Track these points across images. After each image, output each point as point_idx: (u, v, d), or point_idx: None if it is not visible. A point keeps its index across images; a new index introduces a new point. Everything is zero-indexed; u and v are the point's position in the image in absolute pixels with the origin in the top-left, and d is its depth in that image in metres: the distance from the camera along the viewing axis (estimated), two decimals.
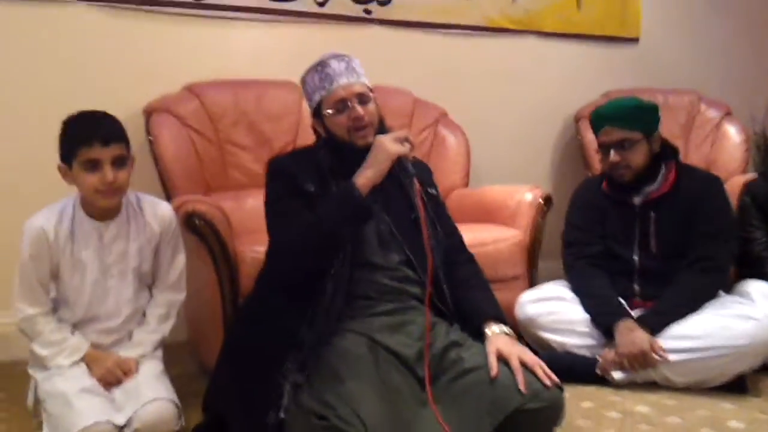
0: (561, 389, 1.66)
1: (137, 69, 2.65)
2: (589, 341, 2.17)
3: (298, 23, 2.93)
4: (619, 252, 2.30)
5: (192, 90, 2.65)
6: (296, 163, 1.90)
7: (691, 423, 1.84)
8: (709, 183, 2.27)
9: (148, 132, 2.50)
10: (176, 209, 2.01)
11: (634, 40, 3.70)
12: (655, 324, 2.09)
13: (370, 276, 1.82)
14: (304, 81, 1.92)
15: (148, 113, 2.54)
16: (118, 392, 1.76)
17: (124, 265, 1.87)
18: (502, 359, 1.68)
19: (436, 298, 1.84)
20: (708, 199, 2.23)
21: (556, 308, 2.25)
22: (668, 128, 3.37)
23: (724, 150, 3.33)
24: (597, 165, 3.23)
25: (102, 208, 1.82)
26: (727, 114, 3.47)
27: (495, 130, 3.36)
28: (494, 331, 1.77)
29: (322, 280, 1.76)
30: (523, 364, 1.66)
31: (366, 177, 1.74)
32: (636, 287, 2.26)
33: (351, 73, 1.88)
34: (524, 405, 1.60)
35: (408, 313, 1.82)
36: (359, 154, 1.82)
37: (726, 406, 1.95)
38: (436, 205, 1.99)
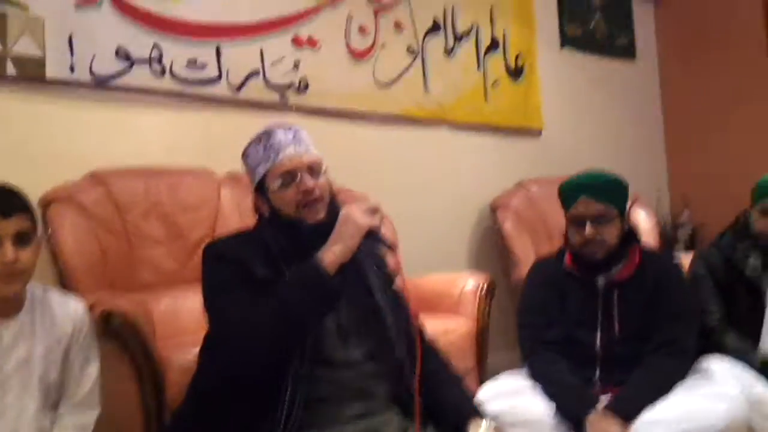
0: None
1: (34, 155, 2.33)
2: None
3: (212, 108, 2.74)
4: (579, 336, 2.18)
5: (96, 177, 2.36)
6: (240, 246, 1.67)
7: None
8: (670, 266, 2.25)
9: (46, 224, 2.17)
10: (89, 308, 1.70)
11: (538, 132, 3.80)
12: (627, 411, 1.96)
13: (330, 375, 1.59)
14: (246, 154, 1.72)
15: (46, 203, 2.21)
16: None
17: (27, 373, 1.52)
18: None
19: (403, 395, 1.64)
20: (671, 281, 2.19)
21: (519, 402, 2.08)
22: None
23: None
24: (520, 256, 3.22)
25: (0, 298, 1.49)
26: (635, 200, 3.57)
27: (414, 220, 3.26)
28: (482, 427, 1.58)
29: (277, 381, 1.52)
30: None
31: (334, 253, 1.54)
32: (597, 373, 2.15)
33: (299, 143, 1.70)
34: None
35: (378, 416, 1.60)
36: (312, 233, 1.62)
37: None
38: (393, 292, 1.81)
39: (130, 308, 1.77)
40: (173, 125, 2.66)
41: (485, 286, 2.43)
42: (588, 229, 2.16)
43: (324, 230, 1.61)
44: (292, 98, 2.96)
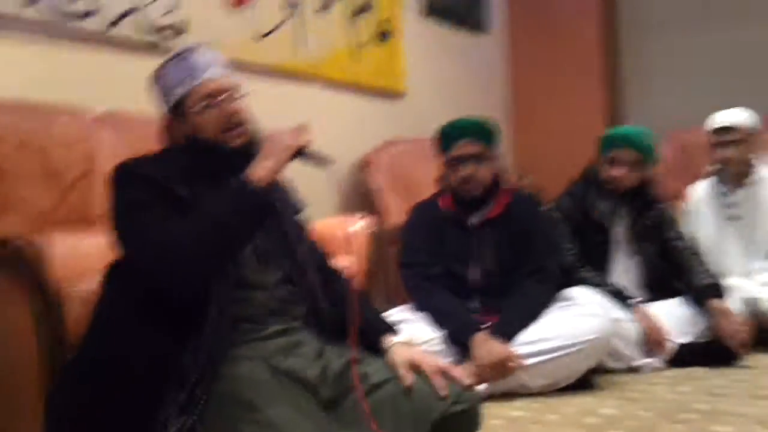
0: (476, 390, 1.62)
1: None
2: (446, 358, 2.17)
3: (84, 45, 2.59)
4: (458, 271, 2.37)
5: None
6: (155, 166, 1.64)
7: (570, 415, 1.91)
8: (535, 205, 2.49)
9: None
10: None
11: (402, 95, 3.96)
12: (507, 333, 2.17)
13: (249, 296, 1.62)
14: (159, 75, 1.68)
15: None
16: None
17: None
18: (412, 368, 1.59)
19: (316, 317, 1.70)
20: (536, 218, 2.43)
21: (410, 329, 2.21)
22: None
23: None
24: (389, 209, 3.36)
25: None
26: None
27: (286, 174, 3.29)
28: (395, 341, 1.68)
29: (201, 302, 1.52)
30: (436, 369, 1.59)
31: (265, 168, 1.53)
32: (475, 303, 2.34)
33: (219, 65, 1.69)
34: (448, 410, 1.53)
35: (296, 334, 1.65)
36: (236, 156, 1.63)
37: (585, 399, 2.07)
38: (301, 221, 1.86)
39: (22, 235, 1.67)
40: (42, 59, 2.49)
41: (372, 227, 2.53)
42: (467, 167, 2.34)
43: (247, 154, 1.60)
44: (169, 42, 2.87)
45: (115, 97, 2.60)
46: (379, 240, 2.69)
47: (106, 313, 1.59)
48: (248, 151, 1.61)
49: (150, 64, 2.52)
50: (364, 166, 3.51)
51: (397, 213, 3.30)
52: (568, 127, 4.50)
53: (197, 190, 1.59)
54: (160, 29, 2.83)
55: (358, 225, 2.53)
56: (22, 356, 1.68)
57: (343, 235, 2.51)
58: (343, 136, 3.56)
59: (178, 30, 2.89)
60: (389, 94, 3.87)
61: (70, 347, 1.67)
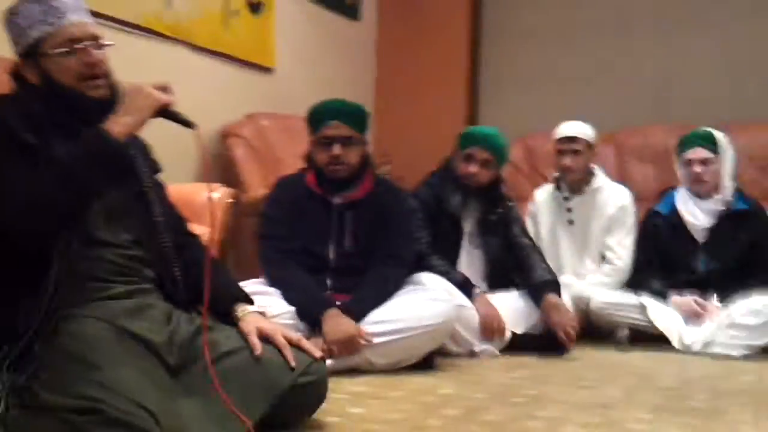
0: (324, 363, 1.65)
1: None
2: (296, 332, 2.18)
3: None
4: (315, 248, 2.39)
5: None
6: (4, 111, 1.53)
7: (410, 392, 1.99)
8: (397, 191, 2.55)
9: None
10: None
11: (270, 69, 3.91)
12: (357, 312, 2.22)
13: (96, 253, 1.55)
14: (14, 11, 1.56)
15: None
16: None
17: None
18: (263, 338, 1.59)
19: (168, 281, 1.66)
20: (397, 205, 2.50)
21: (263, 302, 2.20)
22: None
23: None
24: (248, 181, 3.31)
25: None
26: None
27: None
28: (248, 310, 1.68)
29: (43, 256, 1.44)
30: (287, 340, 1.61)
31: (123, 123, 1.48)
32: (329, 281, 2.37)
33: (82, 11, 1.60)
34: (296, 381, 1.55)
35: (145, 297, 1.61)
36: (90, 108, 1.55)
37: (425, 378, 2.17)
38: (158, 182, 1.80)
39: None
40: None
41: (228, 197, 2.49)
42: (336, 149, 2.37)
43: (105, 107, 1.54)
44: None
45: None
46: (236, 210, 2.65)
47: None
48: (107, 103, 1.55)
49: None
50: (226, 136, 3.44)
51: (255, 185, 3.27)
52: (429, 120, 4.65)
53: (47, 139, 1.51)
54: None
55: (217, 193, 2.49)
56: None
57: (201, 202, 2.45)
58: (207, 103, 3.46)
59: None
60: (257, 66, 3.82)
61: None
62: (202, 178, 3.39)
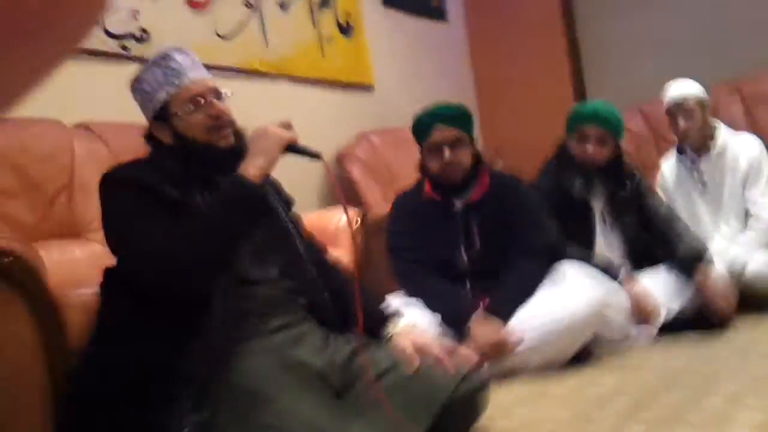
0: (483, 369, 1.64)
1: None
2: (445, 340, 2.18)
3: None
4: (446, 256, 2.38)
5: None
6: (143, 171, 1.63)
7: (573, 388, 1.94)
8: (517, 184, 2.50)
9: None
10: None
11: (370, 87, 3.96)
12: (503, 313, 2.19)
13: (250, 291, 1.62)
14: (140, 80, 1.66)
15: None
16: None
17: None
18: (418, 351, 1.61)
19: (318, 308, 1.71)
20: (521, 197, 2.45)
21: (407, 314, 2.22)
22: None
23: None
24: (370, 200, 3.36)
25: None
26: None
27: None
28: (399, 325, 1.70)
29: (205, 301, 1.52)
30: (443, 350, 1.61)
31: (257, 166, 1.54)
32: (467, 286, 2.36)
33: (199, 68, 1.69)
34: (457, 390, 1.55)
35: (301, 326, 1.66)
36: (222, 157, 1.63)
37: (585, 371, 2.12)
38: (294, 216, 1.87)
39: (15, 246, 1.64)
40: None
41: (358, 219, 2.53)
42: (446, 153, 2.35)
43: (235, 154, 1.62)
44: (134, 48, 2.83)
45: (85, 108, 2.57)
46: (365, 230, 2.69)
47: (109, 320, 1.58)
48: (236, 150, 1.62)
49: (117, 71, 2.50)
50: (340, 159, 3.50)
51: (377, 203, 3.31)
52: (534, 107, 4.55)
53: (189, 193, 1.59)
54: (124, 37, 2.80)
55: (344, 217, 2.54)
56: (25, 366, 1.64)
57: (333, 228, 2.52)
58: (316, 131, 3.54)
59: (141, 37, 2.86)
60: (358, 86, 3.88)
61: (72, 354, 1.65)
62: (325, 204, 3.48)
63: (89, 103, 2.60)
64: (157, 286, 1.48)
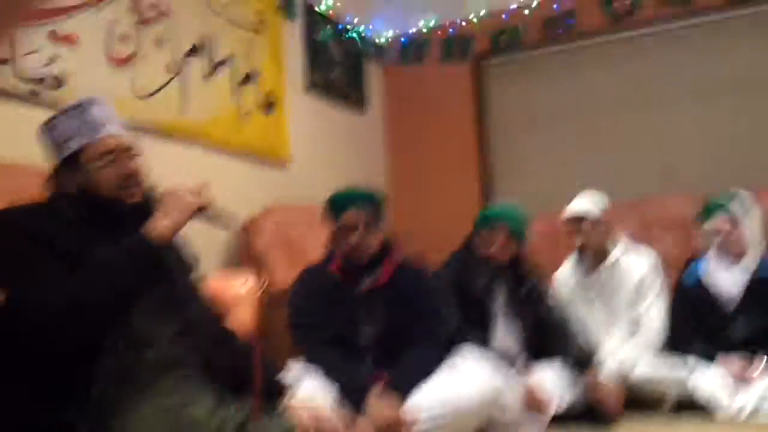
0: None
1: None
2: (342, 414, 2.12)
3: None
4: (348, 333, 2.36)
5: None
6: (37, 217, 1.56)
7: None
8: (422, 272, 2.55)
9: None
10: None
11: (285, 163, 3.98)
12: (400, 391, 2.17)
13: (145, 350, 1.55)
14: (51, 126, 1.63)
15: None
16: None
17: None
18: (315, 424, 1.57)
19: (214, 370, 1.65)
20: (425, 284, 2.49)
21: (305, 385, 2.16)
22: None
23: None
24: (274, 272, 3.31)
25: None
26: None
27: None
28: (296, 397, 1.66)
29: (89, 356, 1.43)
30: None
31: (162, 227, 1.52)
32: (367, 365, 2.33)
33: (115, 122, 1.68)
34: None
35: (195, 384, 1.59)
36: (127, 214, 1.60)
37: None
38: (195, 279, 1.82)
39: None
40: None
41: (260, 287, 2.48)
42: (356, 236, 2.38)
43: (141, 212, 1.59)
44: (45, 94, 2.75)
45: None
46: (267, 298, 2.64)
47: None
48: (143, 208, 1.60)
49: (27, 113, 2.42)
50: (248, 228, 3.46)
51: (281, 277, 3.27)
52: (443, 200, 4.70)
53: (87, 244, 1.53)
54: (38, 80, 2.72)
55: (247, 285, 2.49)
56: None
57: (234, 292, 2.45)
58: (227, 199, 3.43)
59: (56, 82, 2.78)
60: (273, 161, 3.89)
61: None
62: (228, 266, 3.40)
63: None
64: (41, 333, 1.39)
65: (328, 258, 2.53)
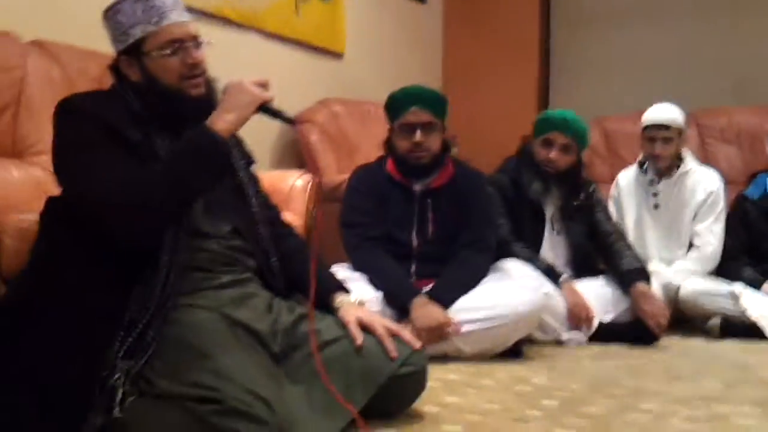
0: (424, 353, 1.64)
1: None
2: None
3: None
4: (398, 236, 2.37)
5: None
6: (104, 105, 1.55)
7: (503, 381, 1.97)
8: (478, 178, 2.50)
9: None
10: None
11: (340, 55, 3.89)
12: (444, 299, 2.20)
13: (200, 244, 1.56)
14: (115, 10, 1.56)
15: None
16: None
17: None
18: (362, 327, 1.59)
19: (266, 270, 1.67)
20: (478, 190, 2.46)
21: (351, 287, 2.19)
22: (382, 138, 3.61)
23: None
24: (323, 167, 3.31)
25: None
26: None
27: None
28: (346, 300, 1.67)
29: (153, 247, 1.45)
30: (387, 330, 1.60)
31: (227, 121, 1.49)
32: (412, 268, 2.36)
33: (181, 10, 1.61)
34: (397, 371, 1.54)
35: (247, 286, 1.62)
36: (191, 106, 1.56)
37: (516, 367, 2.15)
38: (252, 175, 1.81)
39: None
40: None
41: (313, 184, 2.48)
42: (418, 135, 2.34)
43: (204, 104, 1.56)
44: None
45: (40, 24, 2.42)
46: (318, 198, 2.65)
47: (46, 252, 1.50)
48: (206, 101, 1.57)
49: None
50: (300, 122, 3.43)
51: (331, 170, 3.27)
52: (498, 104, 4.57)
53: (150, 136, 1.53)
54: None
55: (300, 180, 2.49)
56: None
57: (287, 190, 2.46)
58: (280, 90, 3.38)
59: None
60: (328, 52, 3.80)
61: (3, 280, 1.58)
62: (279, 165, 3.41)
63: (46, 20, 2.46)
64: (105, 224, 1.41)
65: (384, 157, 2.51)
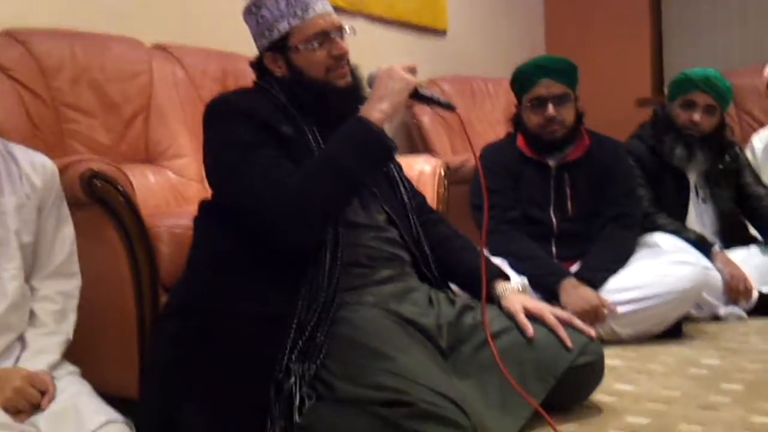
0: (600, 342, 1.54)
1: None
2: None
3: None
4: (535, 215, 2.26)
5: (13, 36, 2.00)
6: (255, 102, 1.51)
7: (672, 365, 1.84)
8: (617, 147, 2.36)
9: None
10: (62, 169, 1.45)
11: (443, 32, 3.79)
12: (594, 279, 2.08)
13: (357, 239, 1.51)
14: (259, 5, 1.52)
15: None
16: (42, 421, 1.19)
17: (3, 229, 1.28)
18: (531, 317, 1.50)
19: (421, 261, 1.60)
20: (619, 162, 2.31)
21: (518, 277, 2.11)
22: (494, 115, 3.51)
23: None
24: (435, 145, 3.23)
25: None
26: None
27: None
28: (508, 287, 1.58)
29: (315, 246, 1.41)
30: (557, 319, 1.51)
31: (381, 111, 1.43)
32: (553, 249, 2.24)
33: (325, 1, 1.56)
34: (575, 362, 1.45)
35: (406, 280, 1.56)
36: (339, 97, 1.51)
37: (679, 348, 2.01)
38: (397, 162, 1.75)
39: (112, 171, 1.54)
40: None
41: (443, 168, 2.40)
42: (550, 109, 2.21)
43: (352, 95, 1.52)
44: None
45: (161, 31, 2.44)
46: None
47: (205, 258, 1.49)
48: (353, 91, 1.53)
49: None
50: (408, 105, 3.35)
51: (445, 153, 3.18)
52: (610, 66, 4.31)
53: (301, 130, 1.49)
54: None
55: (428, 165, 2.41)
56: (114, 298, 1.57)
57: (416, 175, 2.39)
58: None
59: None
60: (432, 30, 3.71)
61: (164, 289, 1.58)
62: (403, 150, 3.35)
63: (168, 26, 2.47)
64: (266, 224, 1.37)
65: (512, 135, 2.40)
